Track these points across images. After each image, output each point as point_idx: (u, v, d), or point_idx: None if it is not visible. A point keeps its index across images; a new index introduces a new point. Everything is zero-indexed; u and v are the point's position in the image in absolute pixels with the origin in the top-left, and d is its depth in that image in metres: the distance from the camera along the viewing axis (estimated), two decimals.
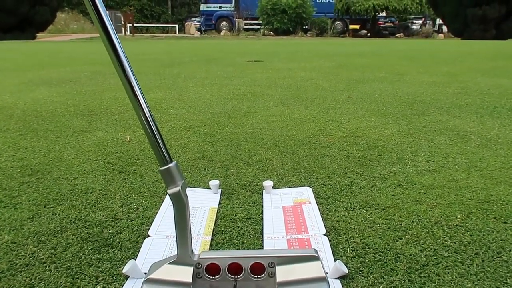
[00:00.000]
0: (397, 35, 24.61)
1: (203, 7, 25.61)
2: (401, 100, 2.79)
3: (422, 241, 0.97)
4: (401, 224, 1.05)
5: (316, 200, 1.19)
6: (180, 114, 2.33)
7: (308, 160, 1.55)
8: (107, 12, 0.71)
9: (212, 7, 25.23)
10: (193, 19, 29.34)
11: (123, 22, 27.26)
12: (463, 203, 1.17)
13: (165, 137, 1.82)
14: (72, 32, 26.63)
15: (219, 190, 1.25)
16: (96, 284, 0.81)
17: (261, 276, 0.75)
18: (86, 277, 0.83)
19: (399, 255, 0.91)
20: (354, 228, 1.03)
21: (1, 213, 1.11)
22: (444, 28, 24.64)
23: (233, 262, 0.75)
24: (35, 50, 9.12)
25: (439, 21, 25.41)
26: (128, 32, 24.29)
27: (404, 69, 4.80)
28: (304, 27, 24.14)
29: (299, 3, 22.21)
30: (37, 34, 18.96)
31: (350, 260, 0.89)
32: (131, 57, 6.59)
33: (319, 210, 1.12)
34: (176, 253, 0.76)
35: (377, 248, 0.94)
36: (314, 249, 0.79)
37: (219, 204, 1.17)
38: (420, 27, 25.10)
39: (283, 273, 0.74)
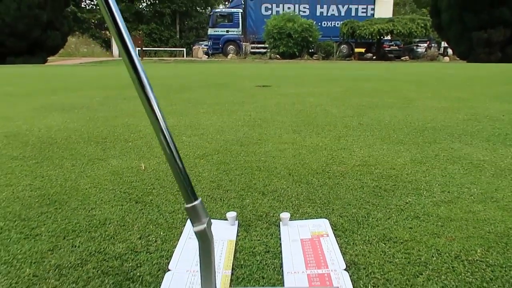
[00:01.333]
0: (402, 58, 24.85)
1: (210, 31, 26.16)
2: (411, 126, 2.80)
3: (443, 276, 0.96)
4: (420, 259, 1.04)
5: (333, 233, 1.19)
6: (192, 142, 2.35)
7: (323, 190, 1.56)
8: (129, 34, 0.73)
9: (220, 31, 25.76)
10: (201, 43, 29.92)
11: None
12: (482, 237, 1.17)
13: None
14: (82, 56, 27.22)
15: (236, 222, 1.26)
16: None
17: None
18: None
19: None
20: (374, 263, 1.03)
21: (22, 245, 1.12)
22: (450, 51, 24.88)
23: None
24: (46, 74, 9.31)
25: (444, 44, 25.68)
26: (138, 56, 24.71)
27: (412, 95, 4.83)
28: (310, 51, 24.48)
29: (305, 27, 22.59)
30: (48, 58, 19.41)
31: None
32: None
33: (338, 243, 1.12)
34: None
35: (398, 284, 0.93)
36: (336, 287, 0.79)
37: (237, 237, 1.17)
38: (426, 50, 25.35)
39: None
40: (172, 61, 21.08)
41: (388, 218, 1.30)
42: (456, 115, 3.29)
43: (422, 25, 23.73)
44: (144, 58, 24.03)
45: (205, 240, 0.76)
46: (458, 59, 22.28)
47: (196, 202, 0.76)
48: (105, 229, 1.22)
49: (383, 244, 1.13)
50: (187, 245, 1.11)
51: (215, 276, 0.76)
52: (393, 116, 3.21)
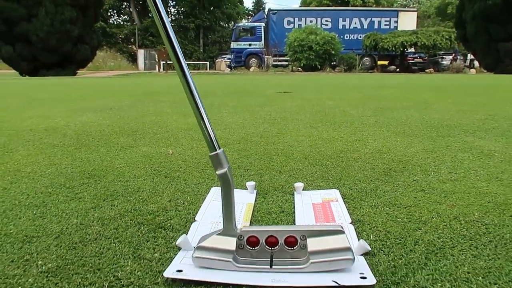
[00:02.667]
0: (426, 70, 24.60)
1: (233, 44, 26.68)
2: (427, 124, 2.88)
3: (440, 231, 1.07)
4: (421, 219, 1.15)
5: (343, 200, 1.31)
6: (216, 134, 2.50)
7: (336, 170, 1.68)
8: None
9: (242, 44, 26.25)
10: (224, 56, 30.53)
11: (157, 60, 28.64)
12: (482, 205, 1.26)
13: (205, 152, 2.00)
14: (109, 69, 28.20)
15: (255, 190, 1.40)
16: (154, 253, 0.95)
17: (294, 248, 0.87)
18: (145, 248, 0.98)
19: (418, 240, 1.01)
20: (378, 221, 1.14)
21: (68, 204, 1.29)
22: (476, 63, 24.46)
23: (270, 236, 0.87)
24: (77, 84, 9.77)
25: (470, 56, 25.29)
26: (161, 69, 25.46)
27: (431, 99, 4.88)
28: (332, 63, 24.58)
29: (326, 40, 22.74)
30: (77, 71, 20.24)
31: (373, 243, 1.00)
32: (166, 89, 6.96)
33: (346, 207, 1.24)
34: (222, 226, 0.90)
35: (398, 235, 1.04)
36: (340, 224, 0.91)
37: (255, 201, 1.31)
38: (451, 62, 25.01)
39: (314, 244, 0.86)
40: (195, 74, 21.58)
41: (395, 191, 1.41)
42: (473, 115, 3.34)
43: (447, 37, 23.51)
44: (168, 71, 24.69)
45: (226, 182, 0.89)
46: (485, 71, 21.89)
47: (219, 151, 0.91)
48: (139, 195, 1.38)
49: (388, 208, 1.24)
50: (211, 204, 1.25)
51: (234, 215, 0.90)
52: (410, 116, 3.29)
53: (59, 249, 0.98)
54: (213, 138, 0.92)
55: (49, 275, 0.85)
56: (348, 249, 0.85)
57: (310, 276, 0.83)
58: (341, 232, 0.86)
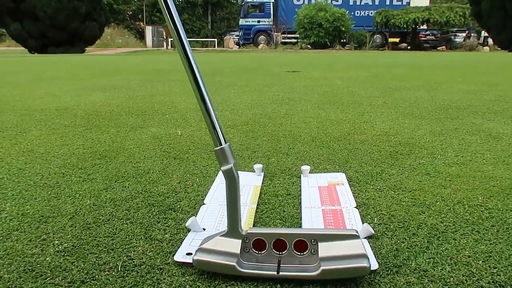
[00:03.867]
0: (439, 48, 24.12)
1: (242, 21, 26.32)
2: (436, 105, 2.86)
3: (443, 215, 1.09)
4: (425, 203, 1.17)
5: (349, 183, 1.33)
6: (224, 115, 2.53)
7: (342, 153, 1.70)
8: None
9: (251, 21, 25.88)
10: (232, 33, 30.16)
11: (165, 37, 28.43)
12: (486, 189, 1.28)
13: None
14: (117, 47, 28.06)
15: (262, 173, 1.42)
16: (165, 234, 0.99)
17: (304, 253, 0.81)
18: (156, 229, 1.02)
19: (421, 224, 1.03)
20: (382, 204, 1.16)
21: (81, 185, 1.34)
22: (490, 41, 23.87)
23: (278, 239, 0.82)
24: (86, 62, 9.78)
25: (484, 33, 24.67)
26: (169, 46, 25.30)
27: (442, 79, 4.81)
28: (342, 41, 24.19)
29: (336, 17, 22.31)
30: (85, 48, 20.19)
31: (377, 226, 1.03)
32: (175, 68, 6.95)
33: (351, 190, 1.26)
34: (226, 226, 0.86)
35: (401, 219, 1.07)
36: (355, 229, 0.88)
37: (262, 183, 1.34)
38: (464, 40, 24.43)
39: (325, 249, 0.80)
40: (203, 51, 21.42)
41: (401, 174, 1.43)
42: (483, 96, 3.30)
43: (461, 13, 22.89)
44: (175, 48, 24.51)
45: (231, 179, 0.83)
46: (499, 48, 21.37)
47: (224, 146, 0.84)
48: (149, 176, 1.42)
49: (393, 192, 1.26)
50: (219, 186, 1.28)
51: (240, 214, 0.84)
52: (419, 97, 3.27)
53: (74, 229, 1.02)
54: (219, 132, 0.86)
55: (65, 254, 0.90)
56: (364, 256, 0.78)
57: None
58: (356, 237, 0.80)
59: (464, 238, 0.96)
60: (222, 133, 0.86)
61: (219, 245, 0.83)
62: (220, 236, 0.84)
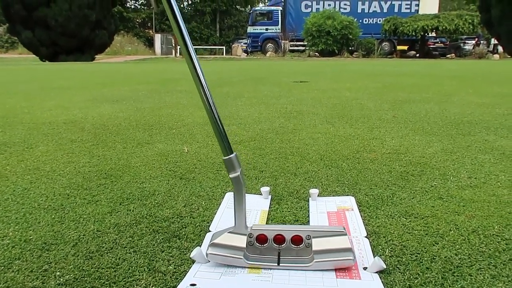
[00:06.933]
0: (448, 55, 23.94)
1: (250, 29, 26.42)
2: (447, 120, 2.81)
3: (458, 246, 1.05)
4: (438, 232, 1.13)
5: (358, 208, 1.29)
6: (231, 130, 2.51)
7: (352, 173, 1.66)
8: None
9: (259, 29, 25.97)
10: (240, 41, 30.31)
11: (174, 45, 28.63)
12: (502, 216, 1.23)
13: (219, 150, 2.00)
14: (127, 54, 28.36)
15: (270, 196, 1.39)
16: (169, 265, 0.96)
17: (300, 246, 0.93)
18: (160, 259, 0.99)
19: (434, 257, 0.99)
20: (394, 233, 1.12)
21: (85, 207, 1.31)
22: (500, 48, 23.66)
23: (277, 234, 0.94)
24: (96, 71, 9.86)
25: (494, 41, 24.45)
26: (178, 54, 25.46)
27: (452, 90, 4.75)
28: (350, 48, 24.15)
29: (344, 25, 22.29)
30: (96, 56, 20.41)
31: (388, 259, 0.99)
32: (182, 77, 6.97)
33: (361, 217, 1.23)
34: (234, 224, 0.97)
35: (414, 250, 1.03)
36: (343, 226, 1.00)
37: (269, 208, 1.31)
38: (473, 48, 24.23)
39: (318, 243, 0.92)
40: (211, 59, 21.52)
41: (412, 198, 1.38)
42: (495, 110, 3.24)
43: (470, 21, 22.73)
44: (183, 56, 24.65)
45: (238, 185, 0.95)
46: (509, 56, 21.16)
47: (232, 155, 0.96)
48: (155, 198, 1.39)
49: (404, 219, 1.22)
50: (225, 212, 1.25)
51: (245, 214, 0.96)
52: (429, 110, 3.22)
53: (76, 258, 0.99)
54: (227, 143, 0.96)
55: (66, 287, 0.87)
56: (349, 249, 0.92)
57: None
58: (343, 233, 0.94)
59: (480, 273, 0.92)
60: (229, 143, 0.97)
61: (228, 240, 0.94)
62: (229, 232, 0.96)
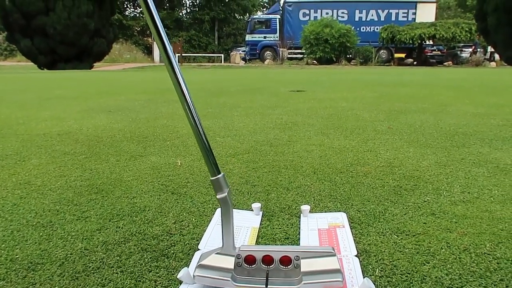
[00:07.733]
0: (445, 63, 24.06)
1: (248, 37, 26.58)
2: (442, 131, 2.81)
3: (449, 265, 1.04)
4: (429, 250, 1.12)
5: (350, 225, 1.28)
6: (225, 142, 2.50)
7: (345, 188, 1.65)
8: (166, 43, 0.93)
9: (257, 37, 26.13)
10: (238, 49, 30.41)
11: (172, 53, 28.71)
12: (494, 233, 1.22)
13: None
14: (125, 62, 28.42)
15: (261, 212, 1.38)
16: (155, 286, 0.95)
17: (288, 266, 0.91)
18: (146, 280, 0.98)
19: (425, 277, 0.98)
20: (384, 252, 1.11)
21: (74, 224, 1.30)
22: (496, 56, 23.80)
23: (266, 255, 0.92)
24: (94, 79, 9.87)
25: (490, 49, 24.60)
26: (177, 62, 25.50)
27: (448, 100, 4.76)
28: (348, 56, 24.27)
29: (342, 33, 22.42)
30: (94, 64, 20.45)
31: (378, 279, 0.98)
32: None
33: (352, 234, 1.22)
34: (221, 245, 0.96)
35: (404, 270, 1.01)
36: (332, 247, 0.99)
37: (260, 225, 1.29)
38: (470, 55, 24.37)
39: (307, 264, 0.91)
40: (210, 67, 21.58)
41: (404, 214, 1.37)
42: (490, 120, 3.25)
43: (467, 29, 22.88)
44: (183, 63, 24.72)
45: (226, 206, 0.94)
46: (505, 64, 21.28)
47: (219, 176, 0.95)
48: (145, 215, 1.38)
49: (396, 236, 1.21)
50: (215, 229, 1.24)
51: (233, 235, 0.95)
52: (425, 121, 3.22)
53: (61, 279, 0.98)
54: (214, 163, 0.95)
55: None
56: (338, 271, 0.90)
57: None
58: (332, 254, 0.92)
59: None
60: (216, 164, 0.96)
61: (216, 261, 0.93)
62: (216, 253, 0.95)
